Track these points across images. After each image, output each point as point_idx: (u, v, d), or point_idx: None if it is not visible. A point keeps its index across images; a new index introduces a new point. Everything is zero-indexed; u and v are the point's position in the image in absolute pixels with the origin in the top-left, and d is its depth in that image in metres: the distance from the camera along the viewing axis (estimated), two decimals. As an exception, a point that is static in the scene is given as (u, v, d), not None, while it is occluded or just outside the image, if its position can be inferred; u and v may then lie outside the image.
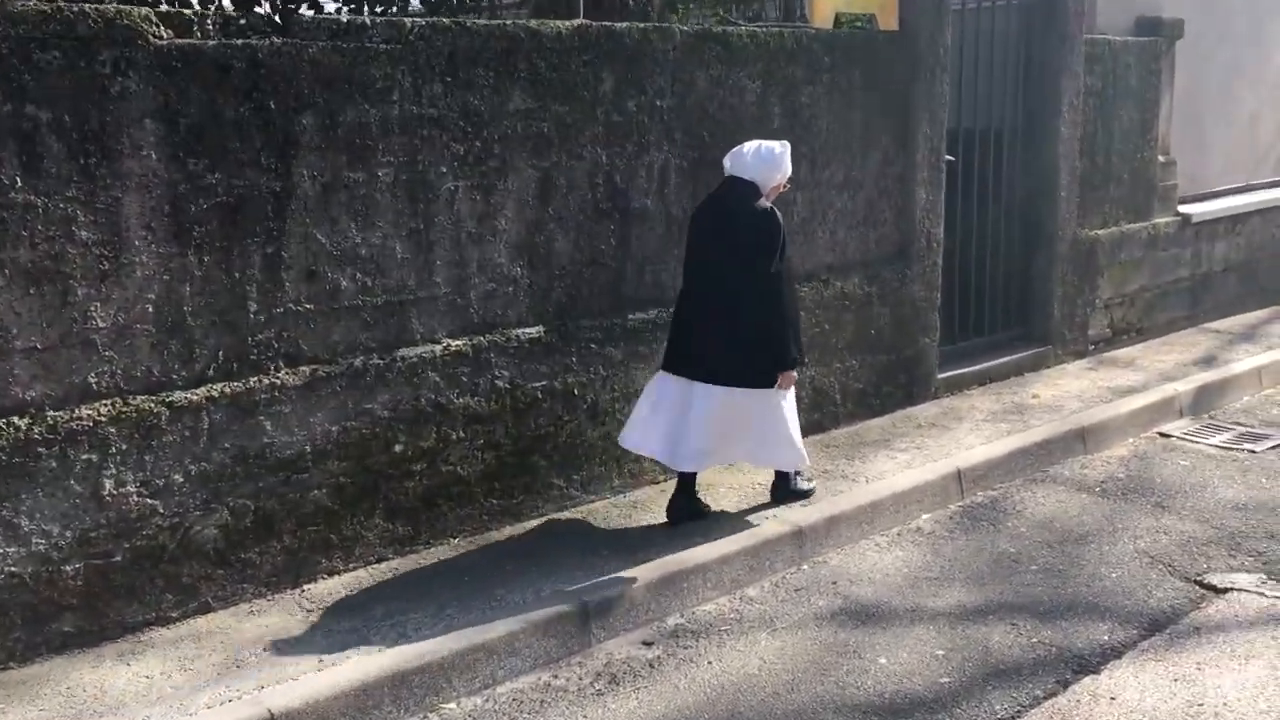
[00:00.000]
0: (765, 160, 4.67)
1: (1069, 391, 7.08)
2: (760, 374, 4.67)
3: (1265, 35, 9.72)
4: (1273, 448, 6.42)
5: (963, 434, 6.19)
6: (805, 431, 5.81)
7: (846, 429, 6.28)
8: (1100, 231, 7.93)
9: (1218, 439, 6.61)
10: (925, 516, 5.40)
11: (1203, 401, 7.21)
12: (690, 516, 4.83)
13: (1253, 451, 6.35)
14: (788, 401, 4.82)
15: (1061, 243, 7.54)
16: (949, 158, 6.80)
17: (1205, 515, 5.38)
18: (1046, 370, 7.59)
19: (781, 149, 4.70)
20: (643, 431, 4.73)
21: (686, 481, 4.86)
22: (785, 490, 5.10)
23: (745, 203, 4.59)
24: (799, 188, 5.83)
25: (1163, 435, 6.71)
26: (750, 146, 4.71)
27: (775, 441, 4.82)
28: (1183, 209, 8.74)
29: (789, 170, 4.78)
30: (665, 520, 4.85)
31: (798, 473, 5.14)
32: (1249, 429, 6.80)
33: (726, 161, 4.74)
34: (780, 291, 4.62)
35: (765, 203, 4.64)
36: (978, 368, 7.14)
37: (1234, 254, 9.28)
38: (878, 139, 6.24)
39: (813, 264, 6.01)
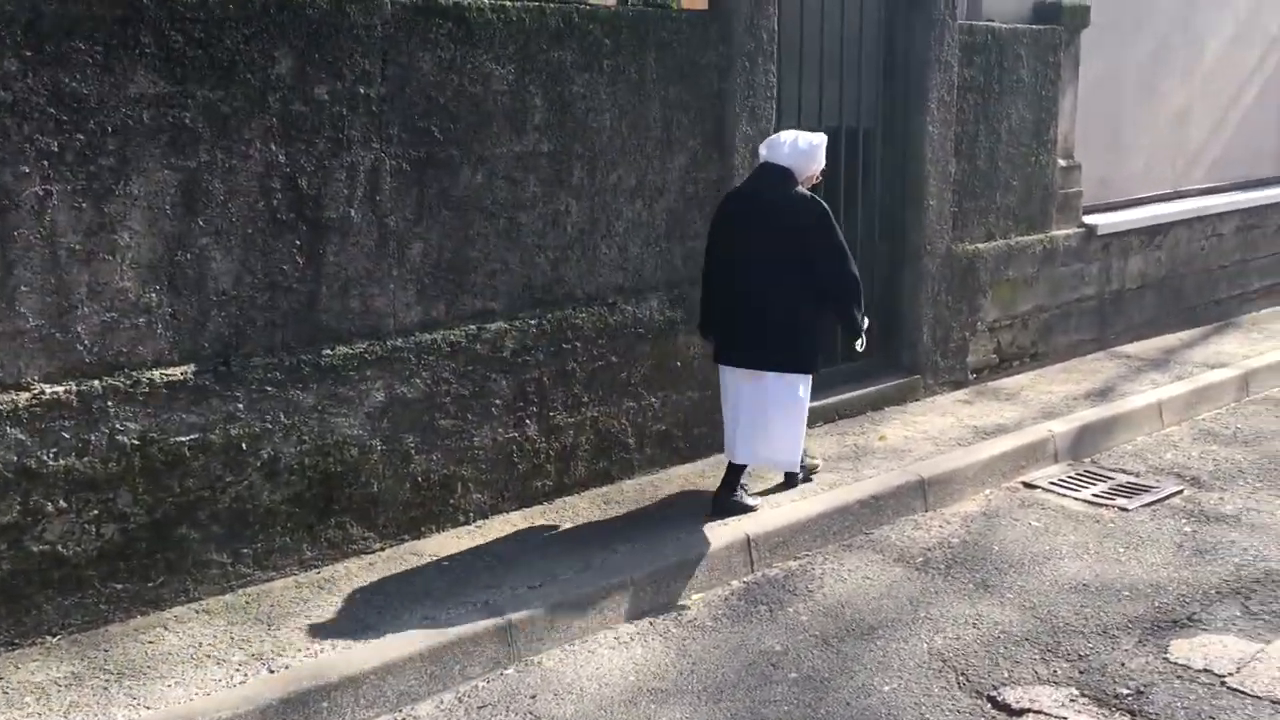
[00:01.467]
0: (803, 151, 4.69)
1: (926, 431, 6.14)
2: (798, 358, 4.72)
3: (1197, 21, 8.75)
4: (1149, 504, 5.48)
5: (769, 489, 5.24)
6: (585, 485, 4.94)
7: (642, 479, 5.34)
8: (983, 245, 6.97)
9: (1089, 491, 5.67)
10: (696, 597, 4.46)
11: (1085, 443, 6.26)
12: (729, 510, 4.85)
13: (1124, 509, 5.41)
14: (804, 398, 4.84)
15: (931, 258, 6.59)
16: (782, 160, 5.85)
17: (1033, 599, 4.43)
18: (913, 404, 6.64)
19: (820, 140, 4.75)
20: (742, 442, 4.81)
21: (735, 471, 4.89)
22: (793, 482, 5.19)
23: (786, 191, 4.64)
24: (573, 195, 4.89)
25: (1027, 486, 5.77)
26: (789, 136, 4.73)
27: (788, 433, 4.83)
28: (1089, 219, 7.78)
29: (823, 162, 4.81)
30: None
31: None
32: (1131, 478, 5.85)
33: (762, 149, 4.78)
34: (851, 265, 4.71)
35: (805, 191, 4.69)
36: (826, 402, 6.19)
37: (1152, 269, 8.32)
38: (683, 139, 5.29)
39: (594, 285, 5.06)
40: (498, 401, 4.74)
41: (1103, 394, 6.91)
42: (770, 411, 4.73)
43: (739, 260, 4.70)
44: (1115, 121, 8.27)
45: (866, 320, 4.86)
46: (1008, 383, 7.18)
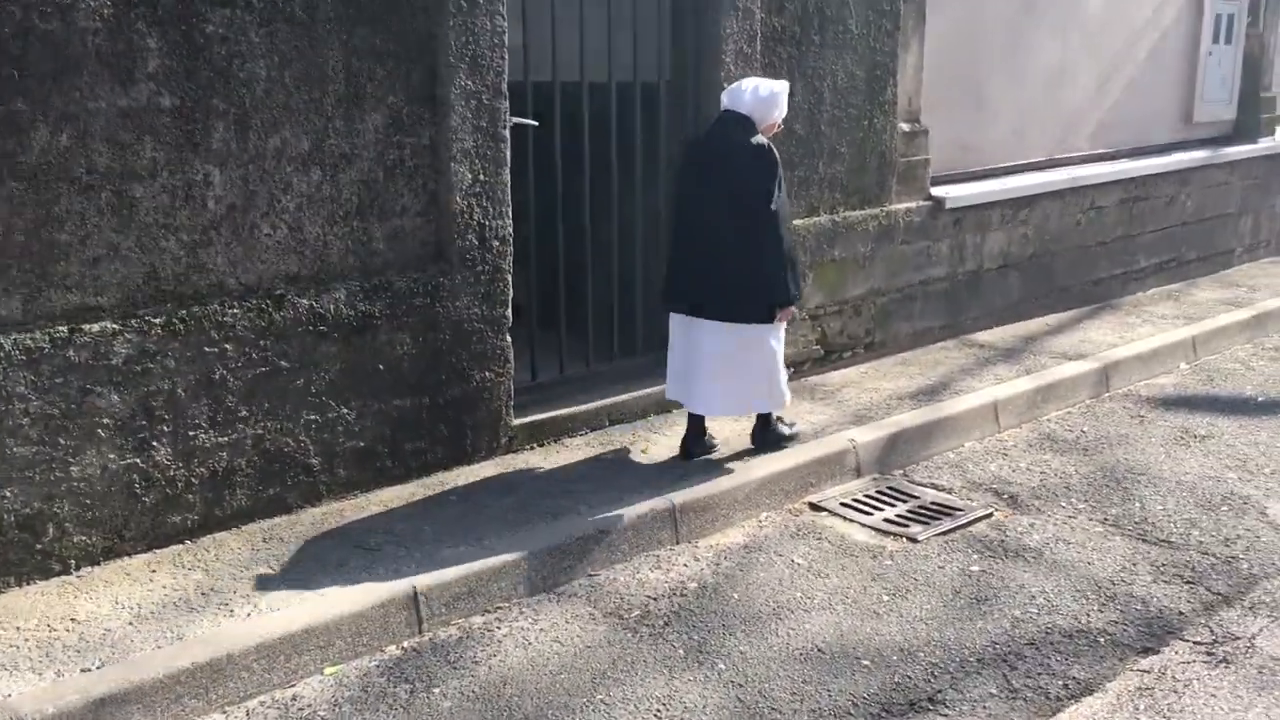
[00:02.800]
0: (764, 99, 4.66)
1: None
2: (759, 309, 4.67)
3: (1073, -28, 7.84)
4: (946, 533, 4.65)
5: (484, 520, 4.36)
6: (249, 516, 4.03)
7: (332, 506, 4.44)
8: (802, 221, 6.07)
9: (883, 515, 4.83)
10: (330, 671, 3.57)
11: (897, 452, 5.42)
12: (704, 452, 4.96)
13: (913, 540, 4.58)
14: (779, 341, 4.86)
15: (730, 237, 5.67)
16: (526, 121, 4.92)
17: (749, 672, 3.58)
18: (672, 414, 5.75)
19: (780, 87, 4.72)
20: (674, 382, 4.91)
21: (697, 421, 4.95)
22: (766, 436, 5.09)
23: (742, 138, 4.59)
24: (215, 162, 3.94)
25: (813, 508, 4.92)
26: (750, 83, 4.70)
27: (765, 381, 4.85)
28: (938, 191, 6.90)
29: (785, 110, 4.77)
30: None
31: (779, 417, 5.11)
32: (941, 496, 5.02)
33: (724, 97, 4.75)
34: (778, 227, 4.61)
35: (762, 139, 4.62)
36: (590, 406, 5.31)
37: (1016, 247, 7.46)
38: (379, 94, 4.34)
39: (254, 274, 4.13)
40: (106, 421, 3.80)
41: (935, 391, 6.07)
42: (749, 359, 4.77)
43: (694, 210, 4.68)
44: (977, 80, 7.38)
45: (797, 292, 4.81)
46: (832, 378, 6.31)
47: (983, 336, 7.19)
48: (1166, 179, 8.59)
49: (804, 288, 6.02)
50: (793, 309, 4.80)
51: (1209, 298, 8.34)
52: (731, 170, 4.57)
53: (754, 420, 5.11)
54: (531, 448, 5.06)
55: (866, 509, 4.90)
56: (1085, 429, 5.97)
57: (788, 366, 6.01)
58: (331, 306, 4.31)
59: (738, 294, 4.64)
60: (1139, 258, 8.54)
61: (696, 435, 4.97)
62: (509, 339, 4.87)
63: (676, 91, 5.57)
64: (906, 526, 4.73)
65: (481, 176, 4.62)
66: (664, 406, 5.56)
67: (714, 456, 4.97)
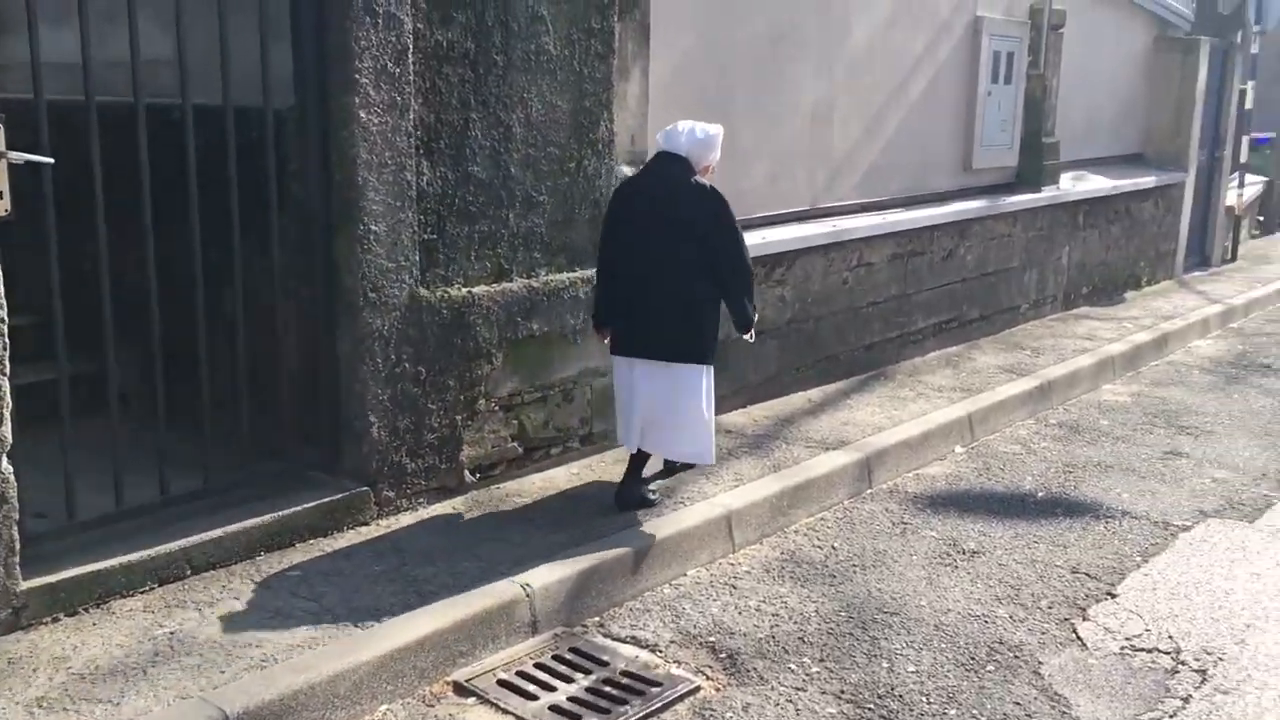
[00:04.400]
0: (700, 140, 4.62)
1: (324, 593, 3.88)
2: (700, 347, 4.61)
3: (836, -4, 6.87)
4: (626, 729, 3.39)
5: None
6: None
7: None
8: (486, 288, 4.79)
9: (552, 699, 3.57)
10: None
11: (595, 594, 4.18)
12: (637, 503, 4.72)
13: (579, 744, 3.29)
14: (708, 388, 4.69)
15: (378, 310, 4.35)
16: (32, 158, 3.47)
17: None
18: (357, 529, 4.40)
19: (716, 130, 4.68)
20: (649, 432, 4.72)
21: (638, 464, 4.78)
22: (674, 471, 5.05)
23: (684, 180, 4.56)
24: None
25: (459, 689, 3.62)
26: (685, 125, 4.64)
27: (693, 425, 4.67)
28: (672, 247, 5.72)
29: (719, 152, 4.71)
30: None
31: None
32: (638, 661, 3.79)
33: (659, 138, 4.68)
34: (746, 256, 4.66)
35: (703, 180, 4.59)
36: (163, 550, 3.85)
37: (773, 310, 6.38)
38: None
39: None
40: None
41: (658, 500, 4.85)
42: (679, 402, 4.64)
43: (638, 251, 4.59)
44: (723, 117, 6.24)
45: (756, 314, 4.74)
46: (531, 483, 5.03)
47: (731, 419, 6.05)
48: (944, 231, 7.73)
49: (500, 368, 4.76)
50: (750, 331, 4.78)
51: (990, 363, 7.47)
52: (682, 212, 4.54)
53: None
54: (57, 619, 3.57)
55: (534, 689, 3.62)
56: (837, 544, 4.86)
57: (472, 472, 4.74)
58: None
59: (691, 333, 4.60)
60: (916, 318, 7.62)
61: (630, 480, 4.78)
62: (8, 467, 3.39)
63: (299, 124, 4.21)
64: (579, 719, 3.46)
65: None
66: (285, 537, 4.16)
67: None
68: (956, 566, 4.64)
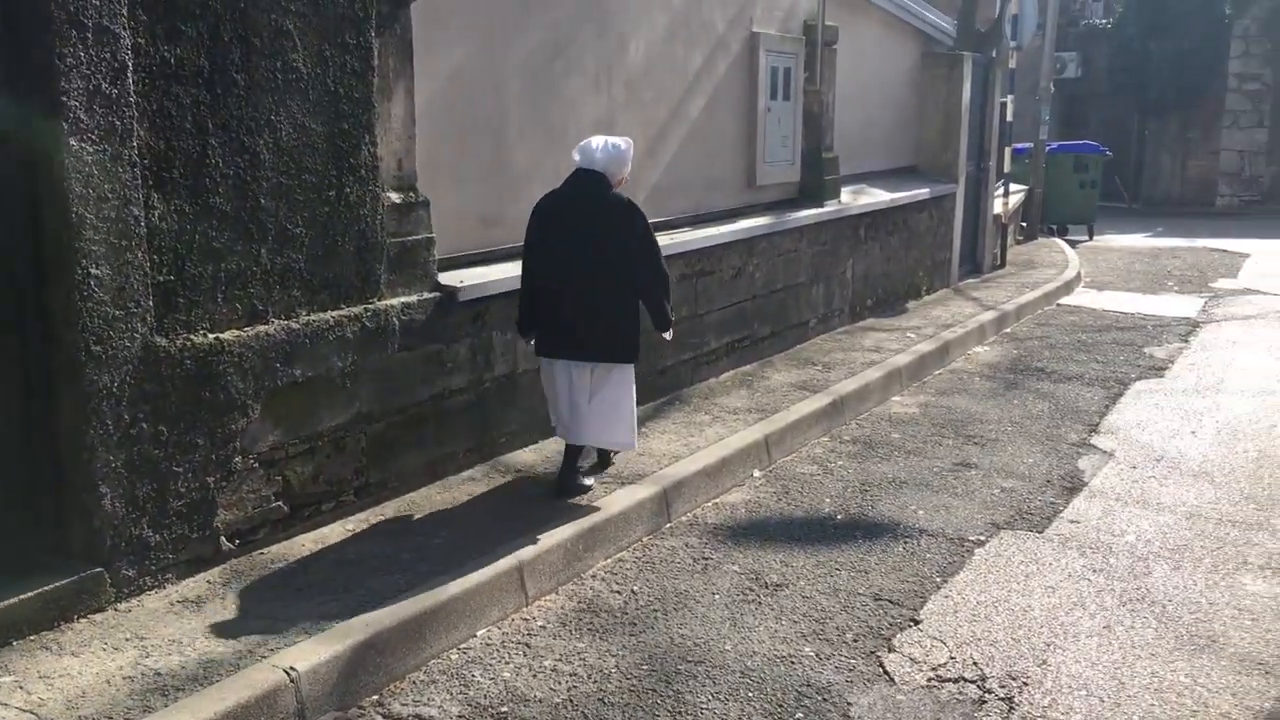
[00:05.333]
0: (614, 156, 4.97)
1: None
2: (626, 348, 5.02)
3: (612, 7, 6.65)
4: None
5: None
6: None
7: None
8: (236, 333, 4.29)
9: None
10: None
11: (371, 669, 3.78)
12: (576, 491, 5.08)
13: None
14: (631, 381, 5.10)
15: (105, 365, 3.80)
16: None
17: None
18: (90, 619, 3.84)
19: (627, 144, 5.05)
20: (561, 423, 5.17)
21: (572, 455, 5.15)
22: (609, 461, 5.47)
23: (603, 193, 4.93)
24: None
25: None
26: (599, 141, 5.00)
27: (621, 417, 5.10)
28: (449, 278, 5.37)
29: (630, 165, 5.10)
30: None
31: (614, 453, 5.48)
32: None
33: (576, 155, 5.00)
34: (662, 262, 5.05)
35: (621, 193, 4.99)
36: None
37: (561, 340, 6.05)
38: None
39: None
40: None
41: (444, 555, 4.46)
42: (608, 398, 5.04)
43: (563, 260, 4.92)
44: (500, 139, 5.96)
45: (674, 315, 5.16)
46: (304, 543, 4.55)
47: (523, 457, 5.72)
48: (732, 249, 7.63)
49: (258, 421, 4.27)
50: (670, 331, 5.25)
51: (784, 381, 7.41)
52: (604, 223, 4.91)
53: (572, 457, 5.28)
54: None
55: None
56: (637, 586, 4.59)
57: (230, 539, 4.23)
58: None
59: (617, 335, 4.99)
60: (709, 339, 7.48)
61: (569, 471, 5.15)
62: None
63: (-3, 154, 3.63)
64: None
65: None
66: (12, 631, 3.56)
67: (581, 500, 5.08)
68: (760, 602, 4.44)
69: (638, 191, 7.00)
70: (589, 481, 5.21)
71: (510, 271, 5.72)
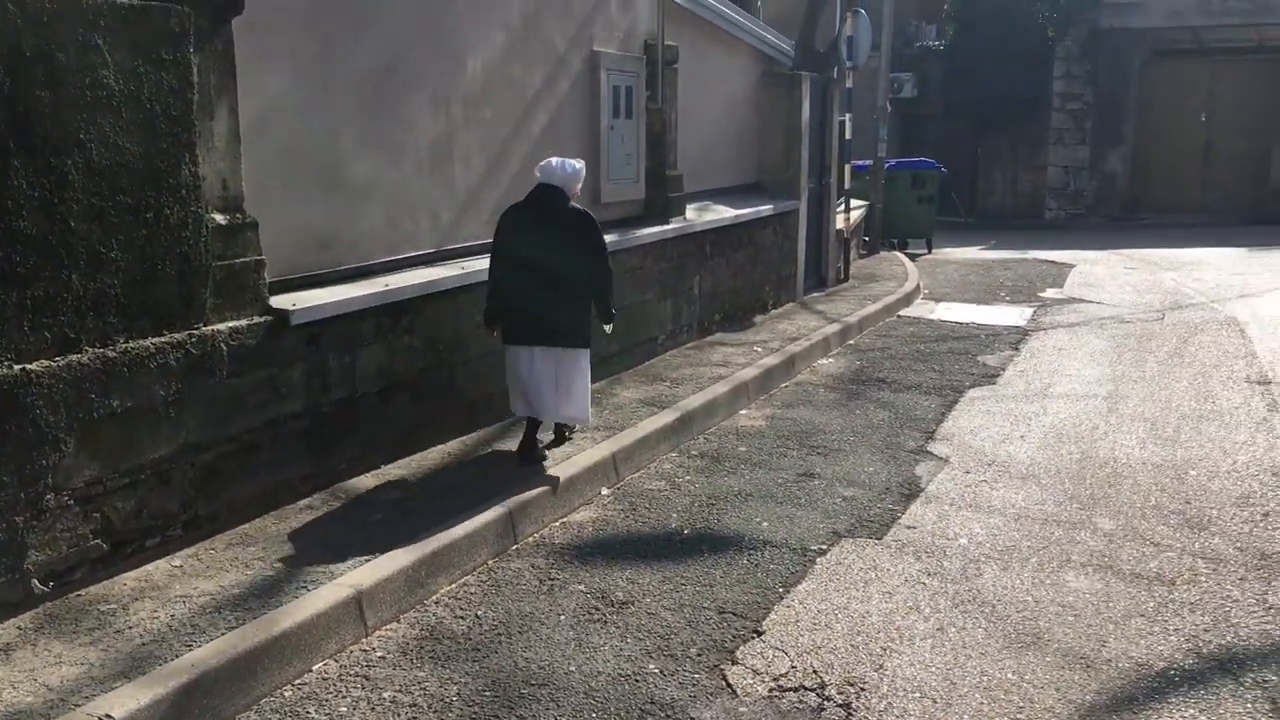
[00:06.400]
0: (569, 174, 5.83)
1: None
2: (584, 335, 5.84)
3: (446, 25, 6.59)
4: None
5: None
6: None
7: None
8: (47, 363, 4.06)
9: None
10: None
11: (196, 713, 3.55)
12: (537, 459, 5.89)
13: None
14: (587, 365, 5.90)
15: (-106, 404, 3.53)
16: None
17: None
18: (-117, 675, 3.55)
19: (580, 164, 5.92)
20: (525, 401, 5.92)
21: (532, 429, 5.96)
22: (561, 438, 6.24)
23: (563, 205, 5.77)
24: None
25: None
26: (557, 161, 5.84)
27: (578, 395, 5.89)
28: (280, 301, 5.21)
29: (582, 182, 5.97)
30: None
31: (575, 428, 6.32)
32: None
33: (537, 172, 5.85)
34: (609, 264, 5.93)
35: (576, 204, 5.82)
36: None
37: (403, 362, 5.96)
38: None
39: None
40: None
41: (278, 587, 4.30)
42: (570, 378, 5.84)
43: (529, 261, 5.70)
44: (335, 157, 5.82)
45: (615, 311, 6.08)
46: (122, 585, 4.32)
47: (364, 481, 5.58)
48: (578, 267, 7.59)
49: (72, 455, 4.04)
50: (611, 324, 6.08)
51: (632, 397, 7.42)
52: (565, 230, 5.72)
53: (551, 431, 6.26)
54: None
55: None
56: (481, 611, 4.52)
57: (44, 581, 3.98)
58: None
59: (575, 325, 5.80)
60: (556, 357, 7.42)
61: (532, 442, 5.95)
62: None
63: None
64: None
65: None
66: None
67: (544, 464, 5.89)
68: (606, 621, 4.42)
69: (481, 211, 6.95)
70: (546, 452, 5.99)
71: (347, 293, 5.60)
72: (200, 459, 4.72)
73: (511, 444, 6.25)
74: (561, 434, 6.25)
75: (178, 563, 4.54)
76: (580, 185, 5.92)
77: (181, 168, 4.57)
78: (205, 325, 4.73)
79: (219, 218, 4.83)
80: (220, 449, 4.82)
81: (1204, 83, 22.83)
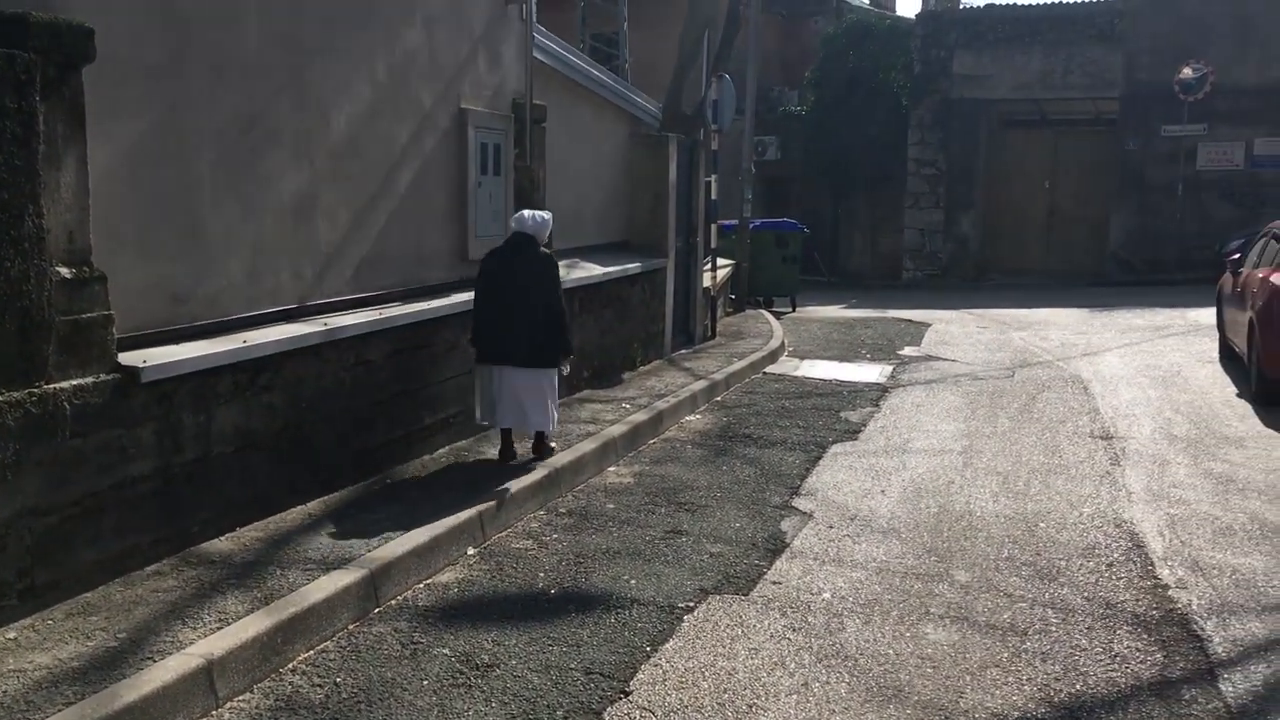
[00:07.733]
0: (539, 224, 7.11)
1: None
2: (552, 358, 7.12)
3: (313, 78, 6.50)
4: None
5: None
6: None
7: None
8: None
9: None
10: None
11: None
12: (512, 458, 7.11)
13: None
14: (554, 383, 7.15)
15: None
16: None
17: None
18: None
19: (547, 215, 7.23)
20: (496, 413, 7.11)
21: (508, 438, 7.18)
22: (543, 446, 7.26)
23: (534, 250, 7.06)
24: None
25: None
26: (528, 214, 7.14)
27: (544, 409, 7.08)
28: (129, 358, 5.00)
29: (551, 229, 7.28)
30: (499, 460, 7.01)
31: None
32: None
33: (513, 222, 7.19)
34: (562, 303, 7.19)
35: (545, 250, 7.12)
36: None
37: (261, 421, 5.78)
38: None
39: None
40: None
41: (120, 659, 4.08)
42: (538, 392, 7.03)
43: (507, 296, 6.94)
44: (191, 210, 5.66)
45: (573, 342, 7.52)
46: (-49, 661, 4.04)
47: (218, 546, 5.36)
48: (446, 324, 7.54)
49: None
50: (571, 356, 7.40)
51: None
52: (534, 271, 6.99)
53: (531, 438, 7.29)
54: None
55: None
56: (340, 678, 4.37)
57: None
58: None
59: (543, 348, 7.01)
60: (424, 415, 7.34)
61: (509, 446, 7.15)
62: None
63: None
64: None
65: None
66: None
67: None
68: (471, 686, 4.33)
69: (345, 267, 6.84)
70: (522, 454, 7.14)
71: (202, 350, 5.42)
72: (39, 524, 4.47)
73: (374, 505, 6.11)
74: (542, 448, 7.20)
75: (12, 634, 4.28)
76: (548, 232, 7.16)
77: (25, 219, 4.38)
78: (47, 383, 4.51)
79: (64, 271, 4.63)
80: (62, 513, 4.58)
81: (1048, 151, 24.16)
